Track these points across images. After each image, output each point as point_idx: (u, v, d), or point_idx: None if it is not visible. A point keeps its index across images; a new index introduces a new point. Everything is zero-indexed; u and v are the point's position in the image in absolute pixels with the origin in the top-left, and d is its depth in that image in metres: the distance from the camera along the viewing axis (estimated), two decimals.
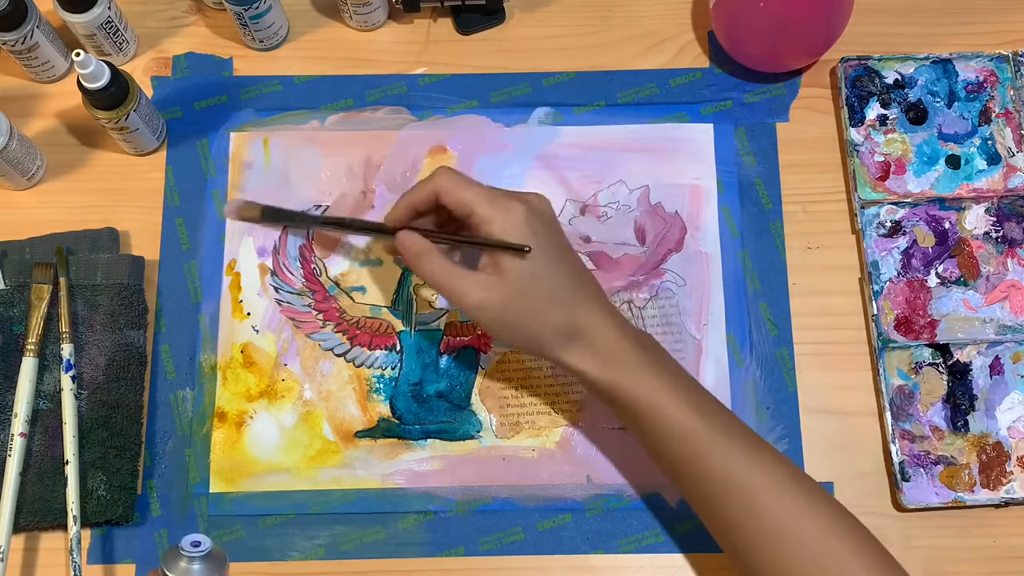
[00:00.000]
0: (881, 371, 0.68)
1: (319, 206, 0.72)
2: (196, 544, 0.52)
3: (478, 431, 0.68)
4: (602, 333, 0.59)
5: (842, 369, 0.69)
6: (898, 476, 0.65)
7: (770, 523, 0.56)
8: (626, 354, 0.59)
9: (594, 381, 0.59)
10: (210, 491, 0.67)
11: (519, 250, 0.58)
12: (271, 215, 0.64)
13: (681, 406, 0.57)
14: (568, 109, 0.74)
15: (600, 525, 0.66)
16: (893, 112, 0.73)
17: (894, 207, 0.71)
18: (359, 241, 0.71)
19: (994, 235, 0.71)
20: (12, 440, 0.65)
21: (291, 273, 0.71)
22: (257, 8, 0.71)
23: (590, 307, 0.60)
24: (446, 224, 0.63)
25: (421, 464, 0.67)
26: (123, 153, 0.73)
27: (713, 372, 0.69)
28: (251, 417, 0.68)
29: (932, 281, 0.70)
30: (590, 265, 0.71)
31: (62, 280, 0.68)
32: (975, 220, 0.71)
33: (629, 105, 0.74)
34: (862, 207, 0.71)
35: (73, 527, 0.63)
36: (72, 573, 0.62)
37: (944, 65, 0.74)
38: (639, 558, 0.65)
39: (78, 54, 0.64)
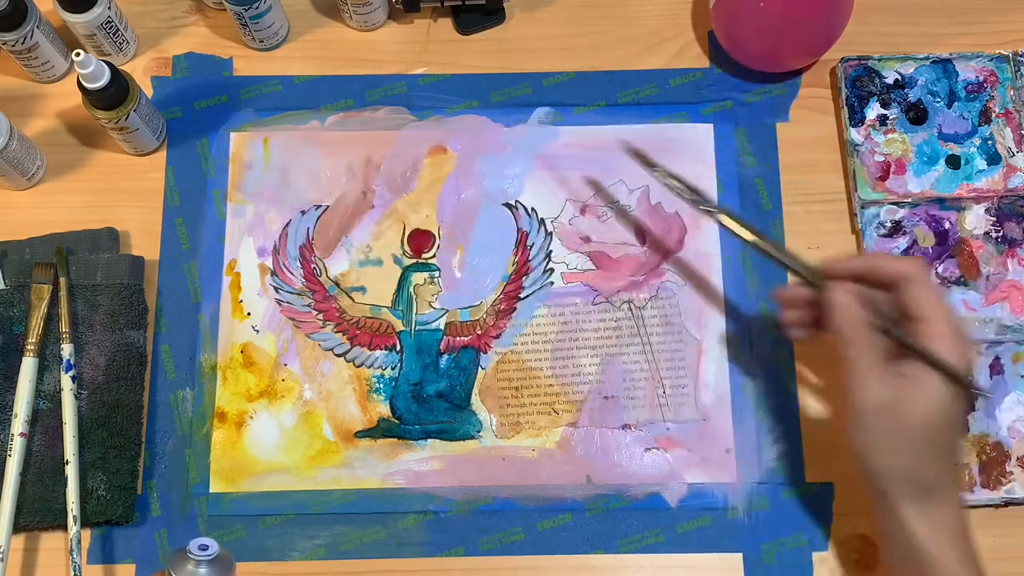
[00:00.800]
0: None
1: (319, 206, 0.72)
2: (204, 548, 0.51)
3: (478, 431, 0.68)
4: (952, 504, 0.55)
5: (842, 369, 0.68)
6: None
7: None
8: (959, 536, 0.55)
9: (920, 549, 0.54)
10: (210, 491, 0.67)
11: (967, 386, 0.53)
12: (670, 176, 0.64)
13: None
14: (568, 109, 0.74)
15: (600, 525, 0.66)
16: (893, 112, 0.73)
17: (894, 207, 0.71)
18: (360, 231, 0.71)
19: (994, 235, 0.71)
20: (12, 440, 0.65)
21: (291, 273, 0.71)
22: (257, 8, 0.71)
23: (953, 474, 0.56)
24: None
25: (421, 464, 0.67)
26: (123, 153, 0.73)
27: (713, 372, 0.69)
28: (251, 417, 0.68)
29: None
30: (589, 265, 0.71)
31: (62, 280, 0.68)
32: (975, 220, 0.71)
33: (629, 105, 0.74)
34: (862, 207, 0.71)
35: (73, 527, 0.63)
36: (72, 573, 0.62)
37: (944, 65, 0.74)
38: (639, 558, 0.65)
39: (78, 54, 0.64)
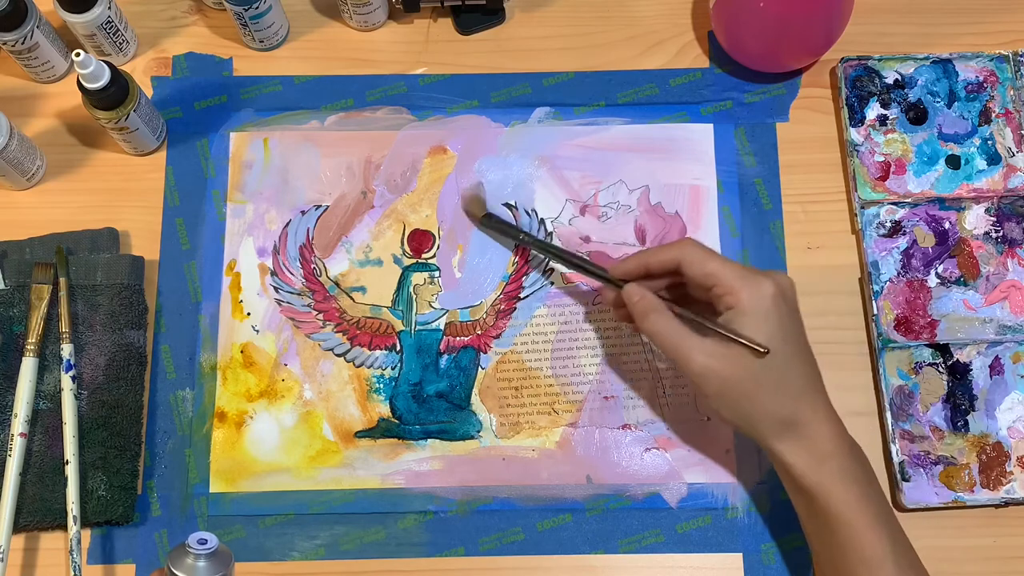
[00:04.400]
0: (881, 371, 0.68)
1: (319, 206, 0.72)
2: (202, 542, 0.52)
3: (478, 431, 0.68)
4: (821, 431, 0.58)
5: (842, 369, 0.68)
6: (898, 476, 0.65)
7: None
8: (839, 460, 0.58)
9: (798, 478, 0.58)
10: (210, 491, 0.67)
11: (757, 351, 0.57)
12: (492, 223, 0.69)
13: (876, 531, 0.56)
14: (568, 109, 0.74)
15: (600, 525, 0.66)
16: (893, 112, 0.73)
17: (894, 207, 0.71)
18: (356, 234, 0.71)
19: (994, 235, 0.71)
20: (12, 440, 0.65)
21: (291, 273, 0.71)
22: (257, 8, 0.71)
23: (814, 402, 0.59)
24: (672, 292, 0.63)
25: (421, 464, 0.67)
26: (123, 153, 0.73)
27: None
28: (251, 417, 0.68)
29: (932, 281, 0.70)
30: None
31: (62, 280, 0.68)
32: (975, 220, 0.71)
33: (629, 105, 0.74)
34: (862, 207, 0.71)
35: (73, 527, 0.63)
36: (72, 573, 0.62)
37: (944, 65, 0.74)
38: (639, 558, 0.65)
39: (78, 54, 0.64)
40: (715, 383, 0.58)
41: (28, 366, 0.66)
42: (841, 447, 0.58)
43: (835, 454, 0.58)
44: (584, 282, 0.71)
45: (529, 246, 0.69)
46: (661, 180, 0.73)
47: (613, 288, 0.63)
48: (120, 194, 0.73)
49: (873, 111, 0.73)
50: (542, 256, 0.70)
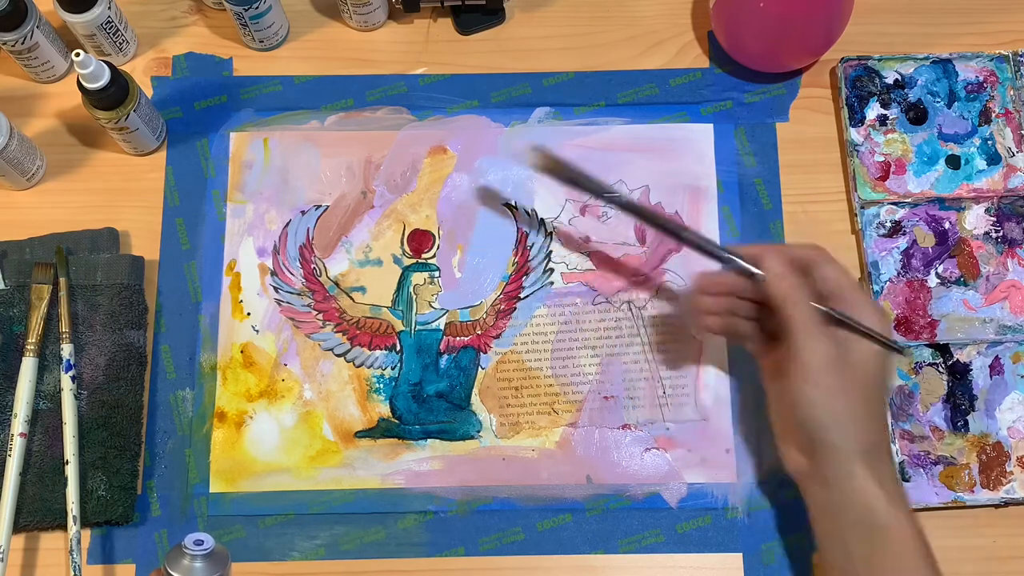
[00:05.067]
0: None
1: (319, 206, 0.72)
2: (199, 542, 0.52)
3: (478, 431, 0.68)
4: (894, 470, 0.59)
5: None
6: (898, 476, 0.65)
7: None
8: (902, 494, 0.58)
9: (872, 508, 0.56)
10: (210, 491, 0.67)
11: (897, 350, 0.59)
12: (574, 179, 0.65)
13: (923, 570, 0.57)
14: (568, 109, 0.74)
15: (600, 525, 0.66)
16: (893, 112, 0.73)
17: (894, 207, 0.71)
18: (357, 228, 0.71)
19: (994, 235, 0.71)
20: (12, 440, 0.65)
21: (291, 273, 0.71)
22: (257, 8, 0.71)
23: (888, 439, 0.62)
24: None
25: (421, 464, 0.67)
26: (123, 153, 0.73)
27: (713, 372, 0.69)
28: (251, 417, 0.68)
29: (932, 281, 0.70)
30: (589, 265, 0.71)
31: (62, 280, 0.68)
32: (975, 220, 0.71)
33: (629, 105, 0.74)
34: (862, 207, 0.71)
35: (73, 527, 0.63)
36: (72, 573, 0.62)
37: (944, 65, 0.74)
38: (639, 558, 0.65)
39: (78, 54, 0.64)
40: (818, 379, 0.57)
41: (28, 366, 0.66)
42: (904, 491, 0.59)
43: (902, 493, 0.58)
44: (583, 281, 0.71)
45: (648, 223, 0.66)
46: (661, 180, 0.73)
47: (739, 273, 0.61)
48: (120, 194, 0.73)
49: (873, 111, 0.73)
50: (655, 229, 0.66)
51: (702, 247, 0.62)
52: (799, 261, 0.60)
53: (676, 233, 0.63)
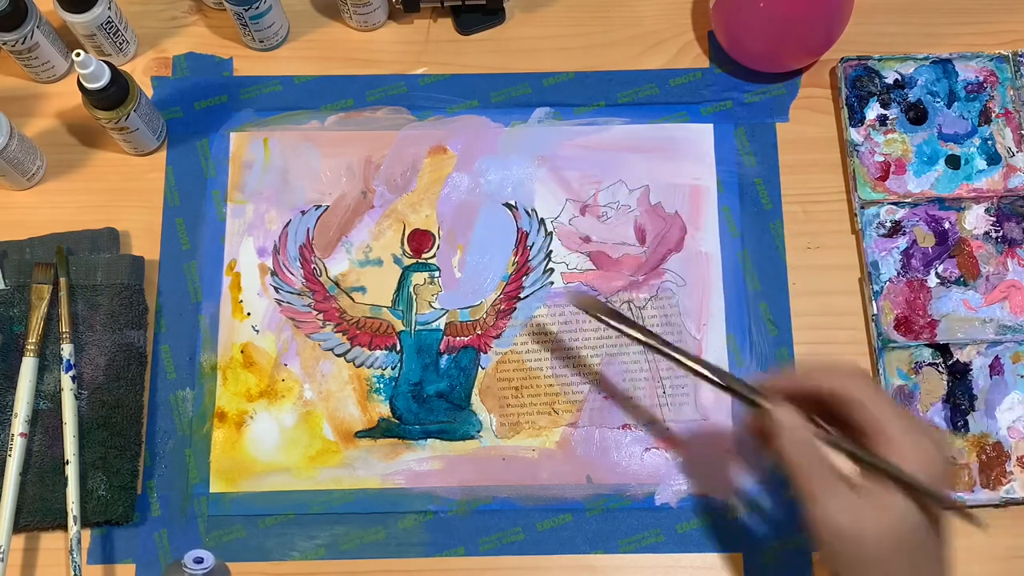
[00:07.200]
0: (881, 371, 0.68)
1: (319, 206, 0.72)
2: (199, 560, 0.51)
3: (478, 431, 0.68)
4: None
5: None
6: None
7: None
8: None
9: None
10: (210, 491, 0.67)
11: (929, 493, 0.48)
12: (611, 315, 0.59)
13: None
14: (568, 109, 0.74)
15: (600, 525, 0.66)
16: (893, 112, 0.73)
17: (894, 207, 0.71)
18: (356, 234, 0.71)
19: (994, 235, 0.71)
20: (12, 440, 0.65)
21: (291, 273, 0.71)
22: (257, 8, 0.71)
23: None
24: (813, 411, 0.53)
25: (421, 464, 0.67)
26: (123, 153, 0.73)
27: None
28: (251, 417, 0.68)
29: (932, 281, 0.70)
30: (589, 265, 0.71)
31: (62, 280, 0.68)
32: (975, 220, 0.71)
33: (629, 105, 0.74)
34: (862, 207, 0.71)
35: (73, 527, 0.63)
36: (72, 573, 0.62)
37: (944, 65, 0.74)
38: (639, 558, 0.65)
39: (78, 54, 0.64)
40: (847, 545, 0.48)
41: (28, 366, 0.66)
42: None
43: None
44: (583, 281, 0.71)
45: (654, 348, 0.58)
46: (661, 180, 0.73)
47: (749, 405, 0.54)
48: (120, 194, 0.73)
49: (873, 111, 0.73)
50: (664, 356, 0.58)
51: (714, 381, 0.56)
52: (832, 395, 0.51)
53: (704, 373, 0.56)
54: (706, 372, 0.56)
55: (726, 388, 0.56)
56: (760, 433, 0.55)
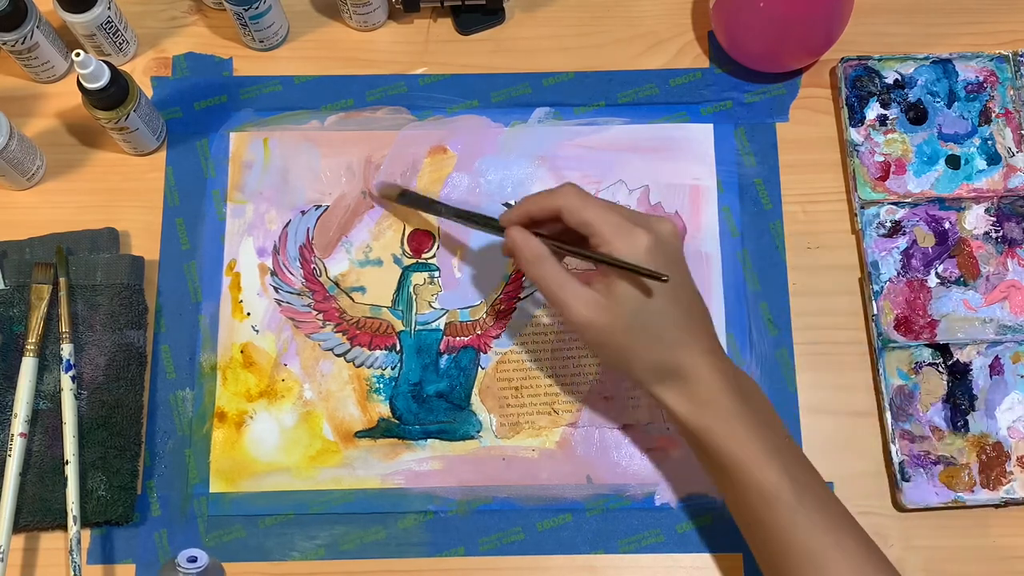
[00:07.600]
0: (881, 371, 0.68)
1: (319, 206, 0.72)
2: (192, 559, 0.52)
3: (478, 431, 0.68)
4: (701, 375, 0.57)
5: (842, 369, 0.69)
6: (898, 476, 0.65)
7: None
8: (722, 401, 0.57)
9: (684, 423, 0.58)
10: (210, 491, 0.67)
11: (655, 278, 0.56)
12: (408, 199, 0.69)
13: (770, 466, 0.56)
14: (568, 109, 0.74)
15: (600, 525, 0.66)
16: (893, 112, 0.73)
17: (894, 207, 0.71)
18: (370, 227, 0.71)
19: (994, 235, 0.71)
20: (12, 440, 0.65)
21: (291, 273, 0.71)
22: (257, 8, 0.71)
23: (694, 347, 0.58)
24: (562, 237, 0.61)
25: (421, 464, 0.67)
26: (123, 153, 0.73)
27: None
28: (251, 417, 0.68)
29: (932, 281, 0.70)
30: (589, 265, 0.71)
31: (62, 280, 0.68)
32: (975, 220, 0.71)
33: (629, 105, 0.74)
34: (862, 207, 0.71)
35: (73, 527, 0.63)
36: (72, 573, 0.62)
37: (944, 65, 0.74)
38: (639, 558, 0.65)
39: (78, 54, 0.64)
40: (593, 333, 0.58)
41: (28, 366, 0.66)
42: (725, 389, 0.57)
43: (718, 396, 0.57)
44: (584, 281, 0.70)
45: (440, 214, 0.68)
46: (661, 180, 0.73)
47: (498, 232, 0.62)
48: (120, 194, 0.73)
49: (873, 111, 0.73)
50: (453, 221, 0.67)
51: (464, 219, 0.65)
52: (550, 212, 0.59)
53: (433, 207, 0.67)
54: (463, 215, 0.65)
55: (474, 223, 0.64)
56: (511, 255, 0.62)
